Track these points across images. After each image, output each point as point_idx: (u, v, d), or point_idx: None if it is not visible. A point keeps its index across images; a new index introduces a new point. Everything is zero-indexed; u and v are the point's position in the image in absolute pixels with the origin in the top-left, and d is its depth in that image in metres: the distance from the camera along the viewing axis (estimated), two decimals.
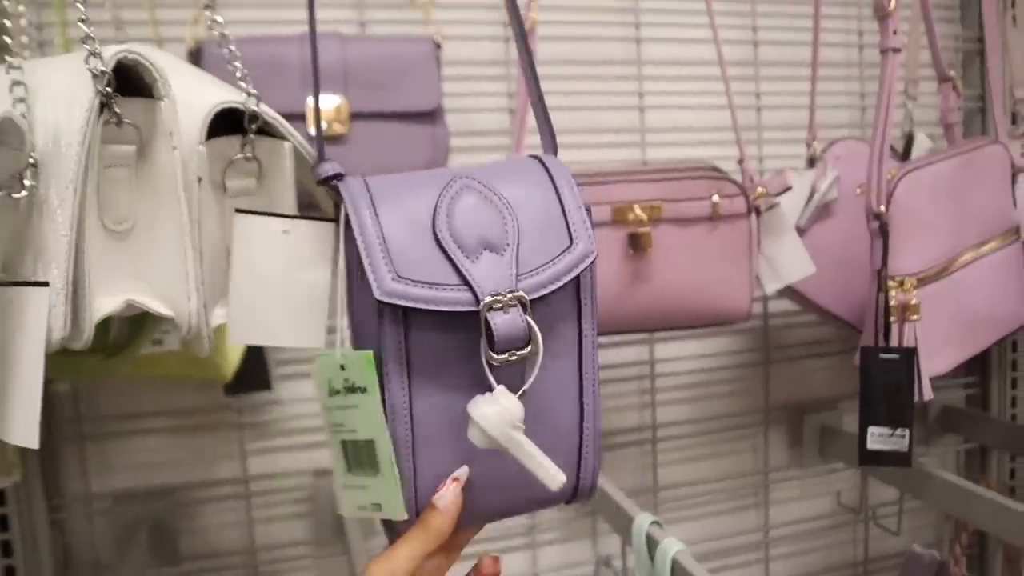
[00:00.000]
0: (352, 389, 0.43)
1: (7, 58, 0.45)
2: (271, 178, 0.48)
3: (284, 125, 0.47)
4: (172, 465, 0.93)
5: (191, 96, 0.44)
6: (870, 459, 0.79)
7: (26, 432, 0.39)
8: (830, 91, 1.09)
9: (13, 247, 0.42)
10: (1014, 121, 1.06)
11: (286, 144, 0.48)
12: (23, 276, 0.42)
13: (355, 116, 0.83)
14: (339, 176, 0.43)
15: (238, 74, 0.46)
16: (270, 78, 0.81)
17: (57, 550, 0.90)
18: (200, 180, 0.44)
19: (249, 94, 0.45)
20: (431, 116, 0.86)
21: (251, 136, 0.46)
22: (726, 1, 1.05)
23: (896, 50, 0.77)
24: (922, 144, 1.03)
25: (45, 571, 0.87)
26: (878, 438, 0.78)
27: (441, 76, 0.87)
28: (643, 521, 0.80)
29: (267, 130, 0.47)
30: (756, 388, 1.12)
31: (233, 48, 0.48)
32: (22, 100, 0.42)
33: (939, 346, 0.79)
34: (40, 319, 0.40)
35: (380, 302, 0.39)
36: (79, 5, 0.44)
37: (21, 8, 0.58)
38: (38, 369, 0.39)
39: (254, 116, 0.45)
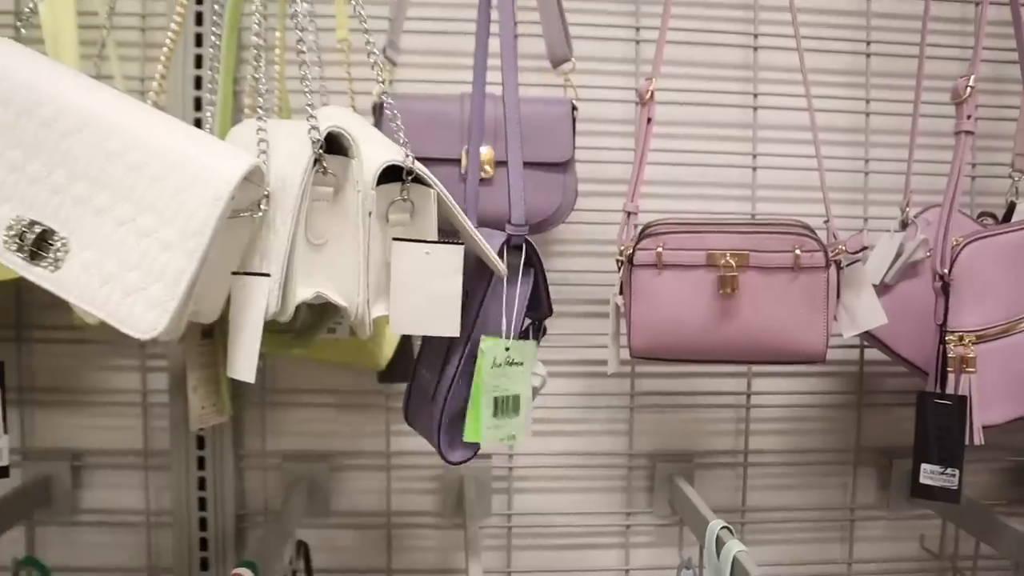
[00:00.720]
0: (511, 363, 0.78)
1: (257, 120, 0.66)
2: (420, 214, 0.67)
3: (431, 177, 0.66)
4: (331, 435, 1.15)
5: (371, 155, 0.63)
6: (922, 493, 0.88)
7: (246, 372, 0.60)
8: (932, 159, 1.18)
9: (250, 250, 0.63)
10: None
11: (432, 191, 0.67)
12: (254, 269, 0.62)
13: (500, 163, 1.02)
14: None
15: (401, 137, 0.66)
16: (435, 128, 1.01)
17: (238, 493, 1.13)
18: (371, 213, 0.63)
19: (407, 155, 0.64)
20: (564, 166, 1.04)
21: (407, 184, 0.65)
22: (836, 74, 1.16)
23: (969, 132, 0.88)
24: (1022, 213, 1.10)
25: (228, 507, 1.10)
26: (930, 475, 0.88)
27: (575, 132, 1.05)
28: (715, 526, 0.94)
29: (420, 179, 0.66)
30: (847, 428, 1.21)
31: (396, 112, 0.68)
32: (264, 152, 0.63)
33: (994, 398, 0.87)
34: (262, 298, 0.60)
35: None
36: (306, 86, 0.65)
37: (260, 75, 0.80)
38: (258, 331, 0.59)
39: (409, 171, 0.64)
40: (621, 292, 0.97)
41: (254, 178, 0.61)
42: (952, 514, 1.13)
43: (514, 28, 0.84)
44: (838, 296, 0.96)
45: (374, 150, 0.65)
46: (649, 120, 0.99)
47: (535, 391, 0.90)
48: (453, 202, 0.69)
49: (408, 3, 1.05)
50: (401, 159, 0.65)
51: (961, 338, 0.87)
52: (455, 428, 0.86)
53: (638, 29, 1.14)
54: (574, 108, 1.05)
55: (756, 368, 1.18)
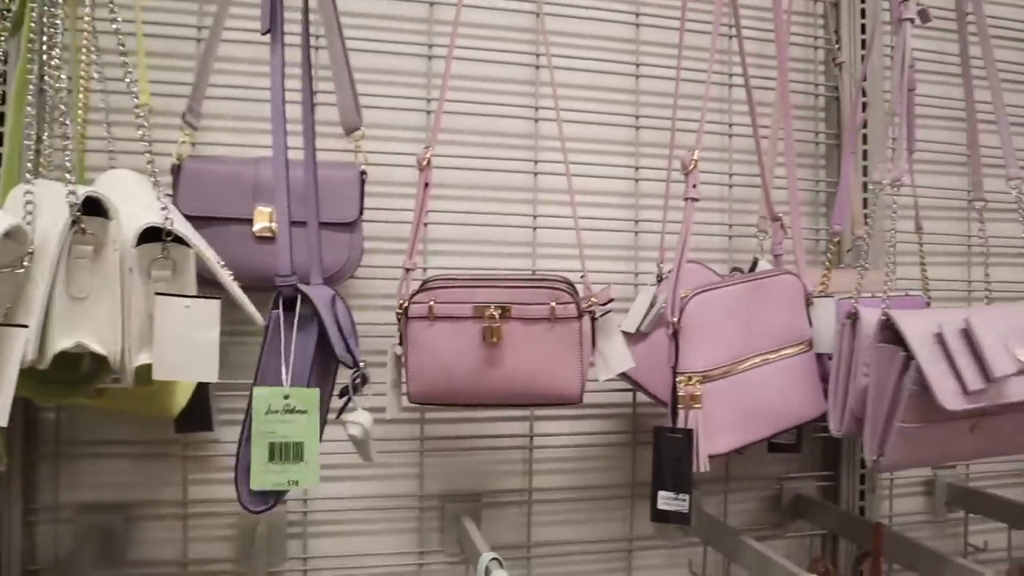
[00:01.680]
0: (291, 410, 0.84)
1: (26, 183, 0.72)
2: (181, 271, 0.74)
3: (189, 238, 0.73)
4: (128, 486, 1.16)
5: (132, 217, 0.70)
6: (659, 517, 1.00)
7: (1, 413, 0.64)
8: (705, 220, 1.35)
9: (12, 303, 0.68)
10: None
11: (191, 250, 0.74)
12: (15, 321, 0.67)
13: (294, 223, 1.09)
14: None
15: (162, 203, 0.73)
16: (230, 189, 1.08)
17: (28, 547, 1.13)
18: (131, 270, 0.69)
19: (167, 218, 0.71)
20: (351, 226, 1.13)
21: (167, 244, 0.72)
22: (612, 143, 1.32)
23: (694, 199, 1.03)
24: (763, 267, 1.27)
25: (14, 562, 1.10)
26: (665, 500, 1.00)
27: (364, 194, 1.14)
28: (485, 558, 1.02)
29: (180, 240, 0.73)
30: (624, 465, 1.33)
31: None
32: (31, 213, 0.68)
33: (720, 430, 1.01)
34: (19, 347, 0.65)
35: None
36: (67, 157, 0.71)
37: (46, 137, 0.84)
38: (12, 379, 0.64)
39: (168, 232, 0.71)
40: (401, 342, 1.06)
41: (16, 237, 0.66)
42: (713, 540, 1.26)
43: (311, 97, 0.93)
44: (594, 344, 1.08)
45: (136, 212, 0.71)
46: (427, 184, 1.09)
47: (355, 439, 0.96)
48: (213, 260, 0.76)
49: (210, 70, 1.12)
50: (160, 221, 0.72)
51: (689, 378, 1.00)
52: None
53: (429, 100, 1.25)
54: (363, 173, 1.14)
55: (539, 412, 1.29)
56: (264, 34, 1.00)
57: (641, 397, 1.32)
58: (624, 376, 1.14)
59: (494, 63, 1.29)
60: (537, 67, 1.29)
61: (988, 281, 1.20)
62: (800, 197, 1.41)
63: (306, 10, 1.00)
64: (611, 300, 1.06)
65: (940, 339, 0.96)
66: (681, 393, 1.00)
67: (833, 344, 1.09)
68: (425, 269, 1.24)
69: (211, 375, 0.76)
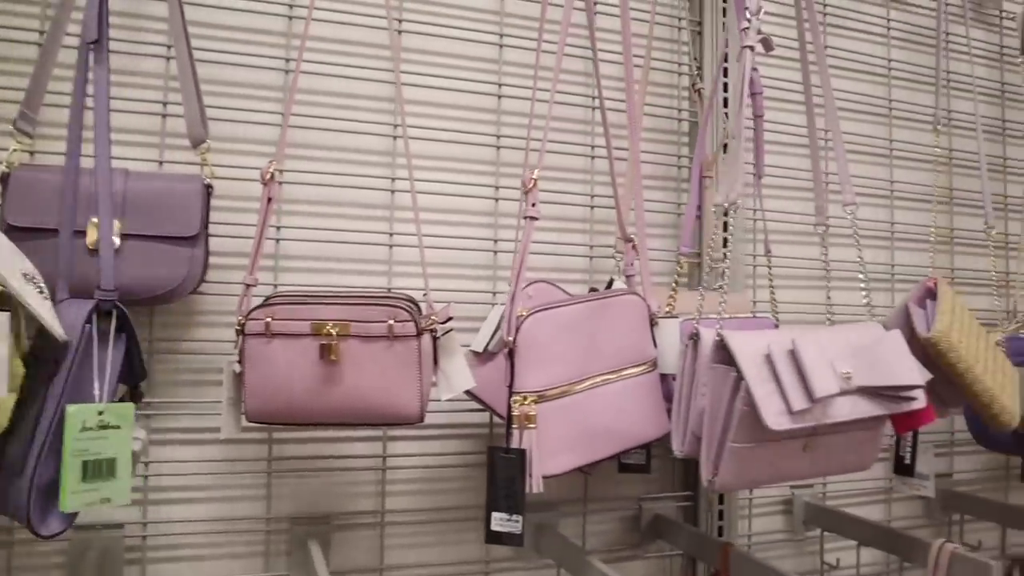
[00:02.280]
0: (106, 426, 0.85)
1: None
2: None
3: None
4: None
5: None
6: (494, 539, 0.99)
7: None
8: (567, 241, 1.36)
9: None
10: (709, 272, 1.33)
11: None
12: None
13: (130, 236, 1.06)
14: None
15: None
16: (63, 200, 1.04)
17: None
18: None
19: None
20: (192, 240, 1.09)
21: None
22: (471, 163, 1.32)
23: (533, 218, 1.03)
24: (618, 287, 1.28)
25: None
26: (499, 521, 0.99)
27: (209, 208, 1.11)
28: None
29: None
30: (480, 486, 1.32)
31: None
32: None
33: (555, 451, 1.01)
34: None
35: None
36: None
37: None
38: None
39: None
40: (240, 360, 1.03)
41: None
42: (565, 561, 1.26)
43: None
44: (437, 362, 1.07)
45: None
46: (270, 199, 1.07)
47: (136, 455, 0.94)
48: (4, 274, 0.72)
49: (48, 76, 1.07)
50: None
51: (524, 398, 0.99)
52: (47, 499, 0.88)
53: (282, 114, 1.23)
54: (208, 186, 1.11)
55: (392, 431, 1.27)
56: (90, 44, 0.98)
57: (497, 417, 1.31)
58: (472, 396, 1.13)
59: (356, 79, 1.27)
60: (398, 85, 1.28)
61: (830, 304, 1.23)
62: (658, 219, 1.43)
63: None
64: (450, 319, 1.05)
65: (769, 359, 0.98)
66: (516, 413, 0.99)
67: (677, 364, 1.10)
68: (276, 286, 1.21)
69: (1, 390, 0.72)
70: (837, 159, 1.20)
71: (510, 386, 1.00)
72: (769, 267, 1.28)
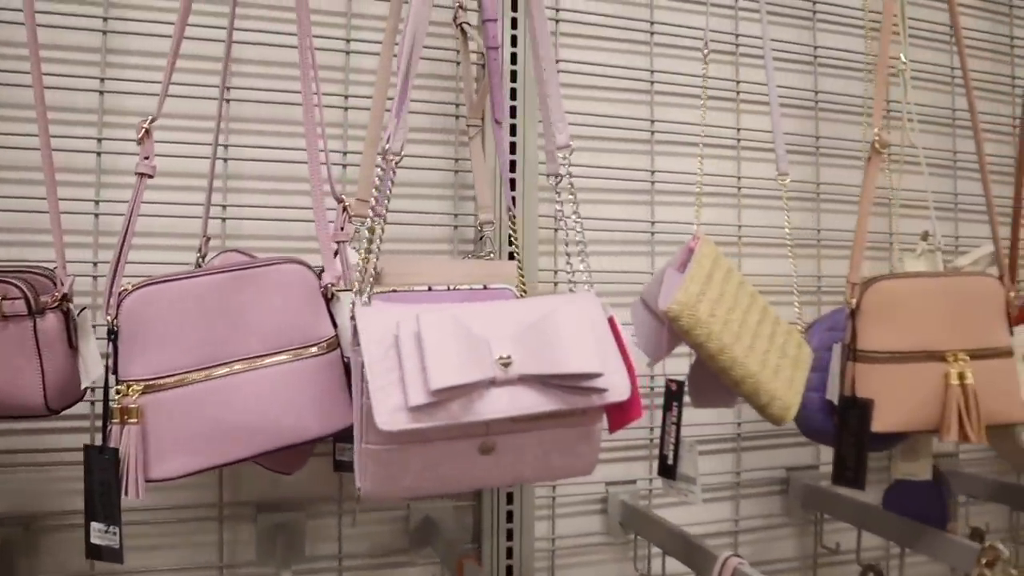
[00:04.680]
0: None
1: None
2: None
3: None
4: None
5: None
6: (94, 553, 0.84)
7: None
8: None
9: None
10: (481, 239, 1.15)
11: None
12: None
13: None
14: None
15: None
16: None
17: None
18: None
19: None
20: None
21: None
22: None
23: (146, 175, 0.86)
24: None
25: None
26: (99, 534, 0.84)
27: None
28: None
29: None
30: (213, 482, 1.17)
31: None
32: None
33: (165, 452, 0.84)
34: None
35: None
36: None
37: None
38: None
39: None
40: None
41: None
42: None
43: None
44: (74, 345, 0.92)
45: None
46: None
47: None
48: None
49: None
50: None
51: (128, 387, 0.83)
52: None
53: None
54: None
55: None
56: None
57: None
58: None
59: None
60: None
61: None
62: (434, 178, 1.25)
63: None
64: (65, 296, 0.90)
65: (397, 341, 0.79)
66: (116, 406, 0.83)
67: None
68: None
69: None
70: None
71: (115, 374, 0.85)
72: (562, 230, 1.09)
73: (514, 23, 1.25)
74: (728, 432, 1.39)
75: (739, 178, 1.43)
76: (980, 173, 1.17)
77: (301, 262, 0.94)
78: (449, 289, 1.01)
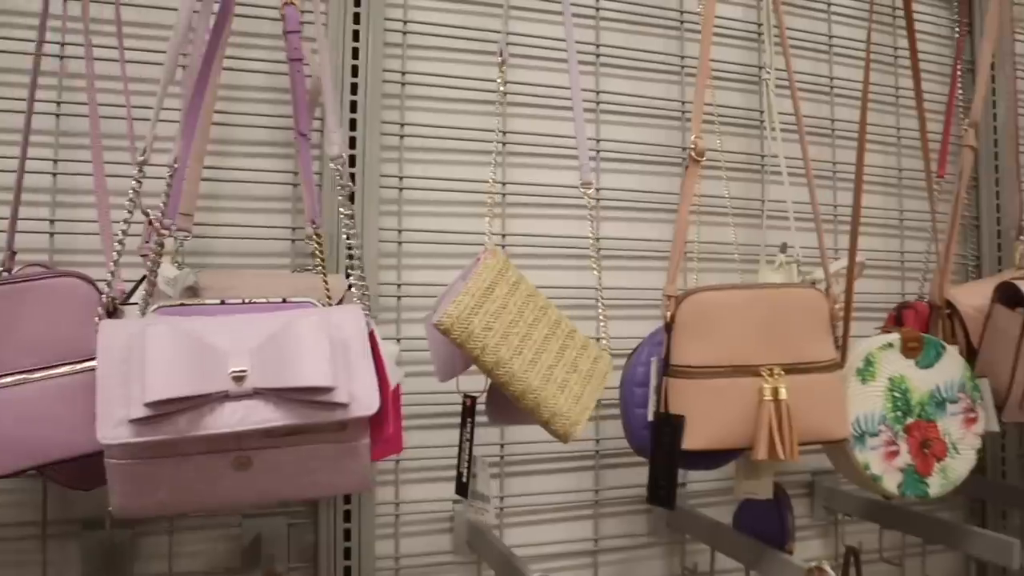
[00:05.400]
0: None
1: None
2: None
3: None
4: None
5: None
6: None
7: None
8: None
9: None
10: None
11: None
12: None
13: None
14: None
15: None
16: None
17: None
18: None
19: None
20: None
21: None
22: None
23: None
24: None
25: None
26: None
27: None
28: None
29: None
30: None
31: None
32: None
33: None
34: None
35: None
36: None
37: None
38: None
39: None
40: None
41: None
42: None
43: None
44: None
45: None
46: None
47: None
48: None
49: None
50: None
51: None
52: None
53: None
54: None
55: None
56: None
57: None
58: None
59: None
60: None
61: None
62: (273, 192, 1.24)
63: None
64: None
65: (129, 355, 0.78)
66: None
67: None
68: None
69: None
70: None
71: None
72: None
73: (356, 35, 1.24)
74: (587, 449, 1.36)
75: (546, 186, 1.41)
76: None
77: (81, 276, 0.93)
78: (244, 303, 0.99)
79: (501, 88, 1.16)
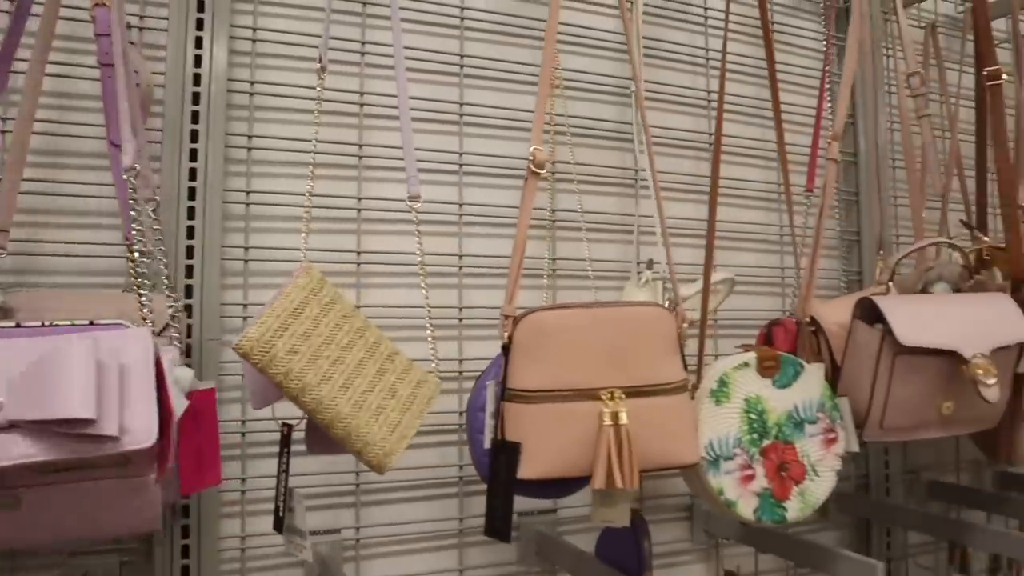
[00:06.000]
0: None
1: None
2: None
3: None
4: None
5: None
6: None
7: None
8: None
9: None
10: None
11: None
12: None
13: None
14: None
15: None
16: None
17: None
18: None
19: None
20: None
21: None
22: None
23: None
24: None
25: None
26: None
27: None
28: None
29: None
30: None
31: None
32: None
33: None
34: None
35: None
36: None
37: None
38: None
39: None
40: None
41: None
42: None
43: None
44: None
45: None
46: None
47: None
48: None
49: None
50: None
51: None
52: None
53: None
54: None
55: None
56: None
57: None
58: None
59: None
60: None
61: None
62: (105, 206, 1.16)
63: None
64: None
65: None
66: None
67: None
68: None
69: None
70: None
71: None
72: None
73: (199, 42, 1.18)
74: (451, 476, 1.31)
75: (367, 198, 1.36)
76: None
77: None
78: (43, 325, 0.92)
79: (320, 96, 1.11)
